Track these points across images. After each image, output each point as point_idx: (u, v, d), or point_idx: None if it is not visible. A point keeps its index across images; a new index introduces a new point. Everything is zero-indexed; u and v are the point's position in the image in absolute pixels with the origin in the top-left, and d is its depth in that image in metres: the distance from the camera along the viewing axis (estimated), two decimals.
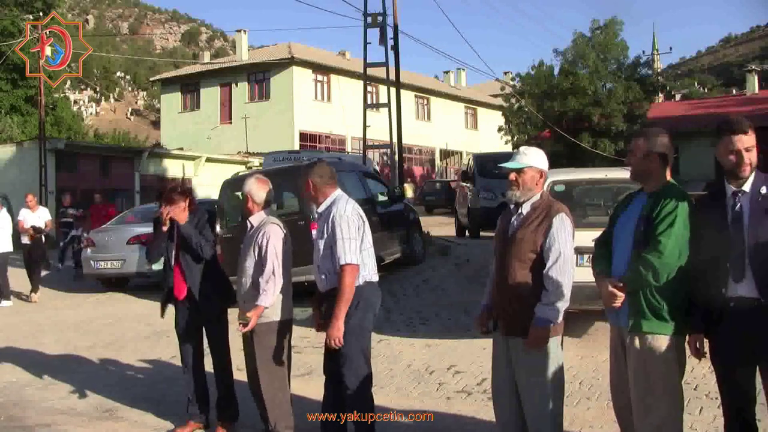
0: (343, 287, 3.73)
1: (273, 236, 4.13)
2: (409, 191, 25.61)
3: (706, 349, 3.13)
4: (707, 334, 3.10)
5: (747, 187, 2.97)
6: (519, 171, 3.45)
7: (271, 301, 4.07)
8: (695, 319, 3.11)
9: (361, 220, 3.89)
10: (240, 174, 10.73)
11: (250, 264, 4.17)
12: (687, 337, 3.18)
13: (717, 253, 2.98)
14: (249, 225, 4.28)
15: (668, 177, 3.26)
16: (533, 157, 3.48)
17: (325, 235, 3.83)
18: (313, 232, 4.03)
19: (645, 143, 3.22)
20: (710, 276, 3.01)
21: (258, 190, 4.26)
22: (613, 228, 3.37)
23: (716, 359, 3.10)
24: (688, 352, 3.22)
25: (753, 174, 2.98)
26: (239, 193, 9.34)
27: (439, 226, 18.59)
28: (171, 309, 4.83)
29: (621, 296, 3.15)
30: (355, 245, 3.79)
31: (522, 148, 3.60)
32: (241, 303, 4.25)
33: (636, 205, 3.29)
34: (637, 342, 3.16)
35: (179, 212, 4.55)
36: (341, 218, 3.80)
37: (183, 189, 4.69)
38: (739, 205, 2.97)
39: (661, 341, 3.11)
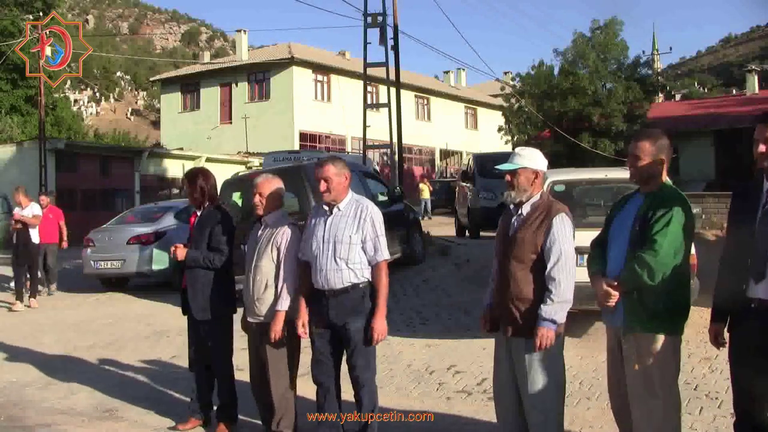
0: (383, 282, 3.87)
1: (292, 237, 4.14)
2: (425, 192, 24.60)
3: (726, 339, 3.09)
4: (729, 331, 3.07)
5: None
6: (513, 172, 3.47)
7: (288, 304, 4.08)
8: (717, 313, 3.09)
9: None
10: (240, 174, 10.72)
11: (267, 264, 4.15)
12: (708, 331, 3.15)
13: (742, 251, 2.92)
14: (263, 224, 4.27)
15: (664, 178, 3.26)
16: (527, 158, 3.50)
17: (361, 231, 3.86)
18: (328, 227, 3.97)
19: (652, 147, 3.20)
20: (734, 273, 2.96)
21: (277, 189, 4.27)
22: (609, 229, 3.37)
23: (732, 358, 3.06)
24: (686, 352, 3.22)
25: None
26: (237, 195, 9.38)
27: (439, 226, 18.60)
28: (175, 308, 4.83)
29: (615, 295, 3.16)
30: (386, 242, 3.93)
31: (517, 149, 3.62)
32: (252, 302, 4.22)
33: (632, 205, 3.29)
34: (632, 342, 3.17)
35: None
36: (378, 216, 3.92)
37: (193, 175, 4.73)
38: None
39: (657, 341, 3.12)
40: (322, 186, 3.91)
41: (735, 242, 3.01)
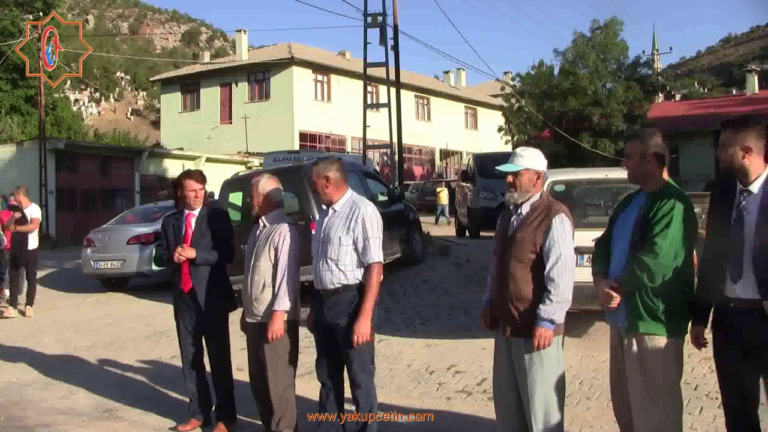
0: (372, 284, 3.82)
1: (289, 237, 4.14)
2: (443, 198, 23.21)
3: (709, 340, 3.12)
4: (713, 332, 3.08)
5: (755, 187, 2.91)
6: (516, 173, 3.46)
7: (288, 304, 4.08)
8: (698, 314, 3.11)
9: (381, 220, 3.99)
10: (240, 174, 10.72)
11: (265, 264, 4.15)
12: (689, 332, 3.18)
13: (720, 251, 2.96)
14: (261, 224, 4.27)
15: (666, 177, 3.26)
16: (529, 159, 3.49)
17: (352, 232, 3.85)
18: (323, 227, 3.99)
19: (640, 146, 3.23)
20: (713, 274, 2.99)
21: (274, 189, 4.28)
22: (613, 228, 3.38)
23: (716, 358, 3.09)
24: (686, 352, 3.22)
25: (765, 174, 2.92)
26: (236, 195, 9.38)
27: (439, 227, 18.59)
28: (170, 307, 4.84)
29: (617, 297, 3.16)
30: (380, 244, 3.89)
31: (518, 150, 3.60)
32: (250, 302, 4.22)
33: (635, 205, 3.30)
34: (633, 342, 3.16)
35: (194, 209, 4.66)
36: (371, 217, 3.88)
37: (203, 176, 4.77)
38: (744, 203, 2.92)
39: (658, 342, 3.11)
40: (311, 188, 3.97)
41: (713, 243, 3.03)
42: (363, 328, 3.77)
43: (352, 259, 3.86)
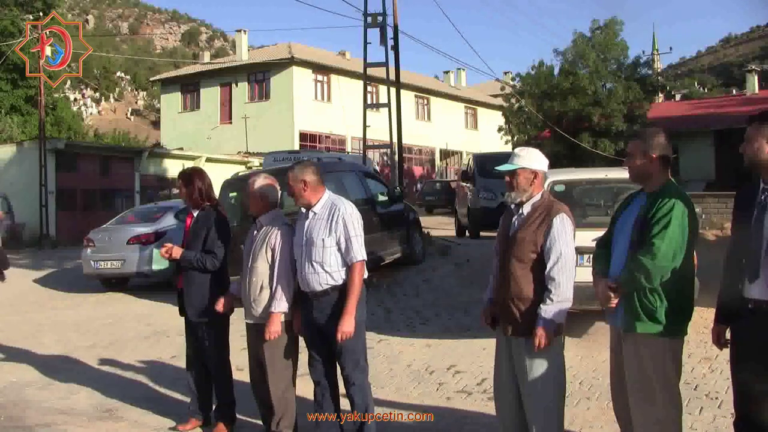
0: (356, 282, 3.84)
1: (285, 238, 4.13)
2: None
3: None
4: (731, 332, 3.07)
5: None
6: (512, 173, 3.47)
7: (284, 305, 4.08)
8: (720, 313, 3.09)
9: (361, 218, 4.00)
10: (240, 174, 10.72)
11: (262, 266, 4.14)
12: (711, 331, 3.15)
13: (740, 250, 2.93)
14: (258, 224, 4.27)
15: (668, 177, 3.25)
16: (526, 159, 3.50)
17: (334, 233, 3.87)
18: (305, 230, 4.00)
19: (641, 145, 3.22)
20: (732, 273, 2.97)
21: (271, 189, 4.27)
22: (614, 228, 3.37)
23: (732, 359, 3.05)
24: (686, 352, 3.22)
25: None
26: (234, 194, 9.36)
27: (439, 226, 18.58)
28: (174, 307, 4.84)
29: (615, 297, 3.16)
30: (362, 242, 3.91)
31: (516, 150, 3.62)
32: (249, 304, 4.22)
33: (635, 205, 3.29)
34: (631, 343, 3.16)
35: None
36: (351, 216, 3.90)
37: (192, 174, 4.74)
38: (764, 203, 2.87)
39: (655, 342, 3.10)
40: (288, 192, 3.99)
41: (734, 241, 3.02)
42: (347, 326, 3.79)
43: (336, 259, 3.89)
